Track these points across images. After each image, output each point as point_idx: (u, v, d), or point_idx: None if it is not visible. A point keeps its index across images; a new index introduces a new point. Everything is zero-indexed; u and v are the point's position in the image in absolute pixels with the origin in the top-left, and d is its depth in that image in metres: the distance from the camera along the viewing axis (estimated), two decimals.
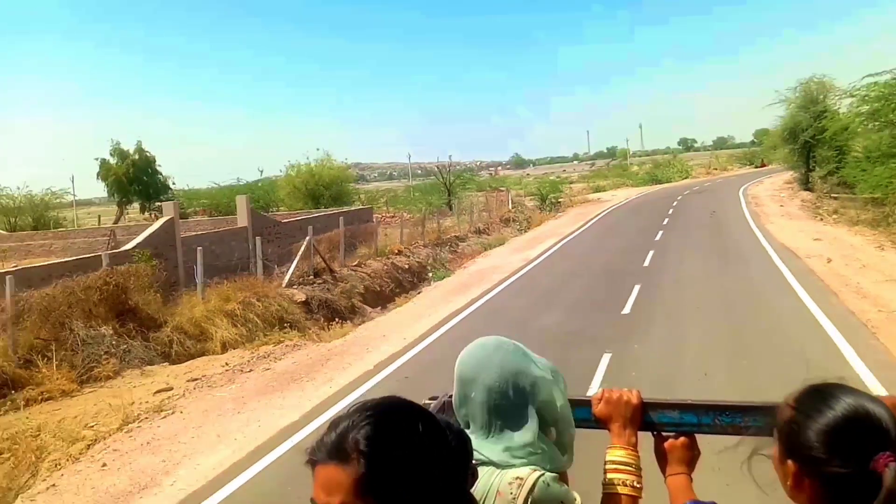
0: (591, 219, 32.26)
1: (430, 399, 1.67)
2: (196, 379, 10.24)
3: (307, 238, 19.79)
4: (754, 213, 28.72)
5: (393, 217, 38.96)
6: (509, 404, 1.45)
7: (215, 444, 7.19)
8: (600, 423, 1.63)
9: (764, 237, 20.61)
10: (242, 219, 23.84)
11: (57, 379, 10.93)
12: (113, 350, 12.06)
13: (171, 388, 10.00)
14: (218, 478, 6.30)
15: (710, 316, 11.31)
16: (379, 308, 18.76)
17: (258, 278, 17.64)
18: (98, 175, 47.58)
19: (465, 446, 1.06)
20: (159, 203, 48.21)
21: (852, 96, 26.40)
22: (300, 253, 19.47)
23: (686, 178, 71.02)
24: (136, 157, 46.93)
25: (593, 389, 7.82)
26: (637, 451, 1.58)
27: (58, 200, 48.96)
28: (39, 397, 10.56)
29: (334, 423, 0.95)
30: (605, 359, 8.93)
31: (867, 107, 25.26)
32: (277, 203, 45.69)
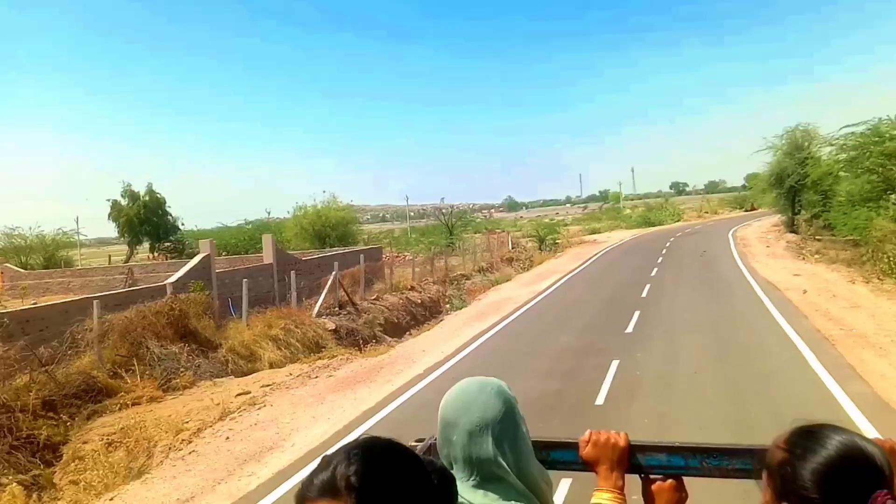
0: (590, 258, 34.68)
1: (416, 441, 1.71)
2: (268, 385, 12.32)
3: (333, 273, 21.86)
4: (742, 253, 31.14)
5: (397, 256, 41.06)
6: (489, 450, 1.46)
7: (313, 423, 9.30)
8: (587, 465, 1.64)
9: (749, 273, 22.94)
10: (268, 256, 25.89)
11: (144, 387, 12.92)
12: (187, 365, 14.12)
13: (250, 393, 12.05)
14: (325, 441, 8.40)
15: (700, 333, 13.54)
16: (397, 338, 20.61)
17: (293, 308, 19.68)
18: (109, 216, 49.64)
19: (449, 485, 1.11)
20: (168, 243, 50.48)
21: (831, 145, 29.12)
22: (327, 286, 21.50)
23: (678, 221, 73.99)
24: (147, 198, 49.04)
25: (608, 382, 10.03)
26: (623, 495, 1.60)
27: (68, 240, 51.18)
28: (130, 402, 12.51)
29: (325, 464, 1.01)
30: (615, 364, 11.12)
31: (845, 155, 27.91)
32: (284, 243, 47.78)
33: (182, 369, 13.84)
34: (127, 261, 49.19)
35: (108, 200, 49.65)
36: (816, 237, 34.11)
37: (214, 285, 22.87)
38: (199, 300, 16.87)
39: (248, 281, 24.71)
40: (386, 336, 21.07)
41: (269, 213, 58.98)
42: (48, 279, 39.41)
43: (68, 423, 11.58)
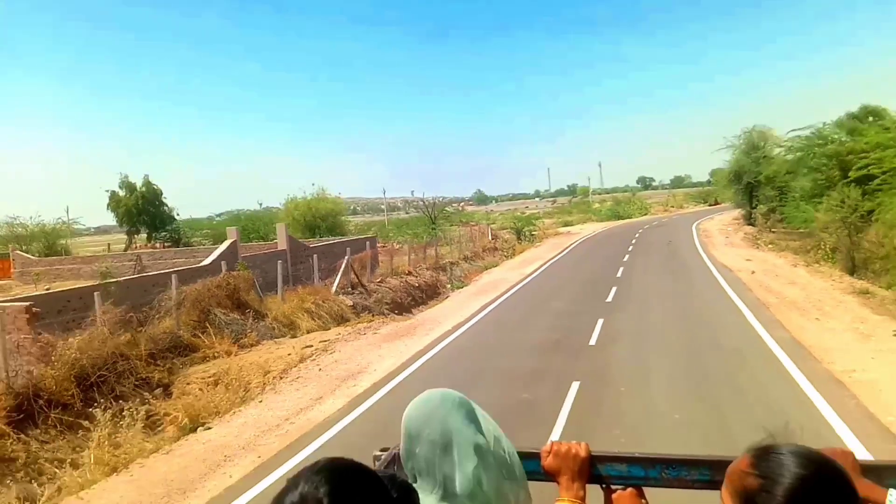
0: (568, 247, 38.32)
1: (381, 450, 1.80)
2: (325, 341, 15.47)
3: (346, 258, 24.96)
4: (703, 242, 34.93)
5: (383, 246, 44.10)
6: (451, 461, 1.50)
7: (381, 359, 12.55)
8: (549, 475, 1.68)
9: (708, 259, 26.60)
10: (282, 243, 28.88)
11: (220, 344, 15.98)
12: (248, 328, 17.21)
13: (312, 346, 15.19)
14: (397, 368, 11.68)
15: (665, 302, 17.05)
16: (403, 315, 23.75)
17: (317, 287, 22.74)
18: (108, 206, 51.95)
19: (409, 496, 1.19)
20: (164, 233, 52.94)
21: (780, 146, 32.95)
22: (341, 269, 24.59)
23: (645, 214, 78.26)
24: (144, 189, 51.46)
25: (597, 332, 13.41)
26: None
27: (68, 229, 53.43)
28: (212, 356, 15.57)
29: (292, 485, 1.06)
30: (600, 321, 14.53)
31: (792, 156, 31.73)
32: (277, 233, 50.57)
33: (248, 331, 16.96)
34: (126, 249, 51.63)
35: (107, 191, 51.94)
36: (771, 229, 38.00)
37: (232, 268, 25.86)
38: (247, 277, 19.93)
39: (266, 264, 27.78)
40: (393, 313, 24.28)
41: (260, 205, 61.51)
42: (58, 266, 41.83)
43: (169, 369, 14.62)
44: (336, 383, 11.17)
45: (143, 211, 51.40)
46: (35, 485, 9.51)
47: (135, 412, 10.95)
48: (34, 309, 14.82)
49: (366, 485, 1.09)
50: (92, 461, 9.04)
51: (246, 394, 12.91)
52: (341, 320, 20.08)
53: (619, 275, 22.95)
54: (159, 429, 11.55)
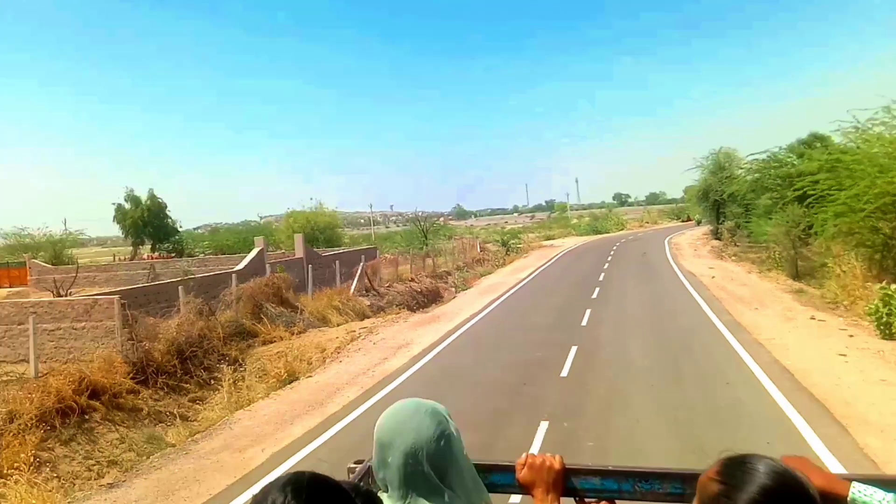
0: (553, 257, 42.47)
1: (355, 462, 1.82)
2: (364, 328, 19.20)
3: (361, 264, 28.71)
4: (674, 254, 39.20)
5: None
6: (423, 471, 1.51)
7: (420, 337, 16.36)
8: (524, 488, 1.72)
9: (677, 267, 30.75)
10: (299, 251, 32.49)
11: (275, 331, 19.61)
12: (298, 318, 20.88)
13: (355, 331, 18.89)
14: (436, 341, 15.53)
15: (639, 299, 21.05)
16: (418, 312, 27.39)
17: (339, 288, 26.43)
18: (114, 218, 55.17)
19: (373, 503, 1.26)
20: (168, 244, 56.18)
21: (741, 168, 37.31)
22: (357, 274, 28.31)
23: (622, 229, 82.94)
24: (150, 203, 54.74)
25: (586, 318, 17.35)
26: None
27: (74, 239, 56.59)
28: (270, 340, 19.18)
29: (261, 497, 1.12)
30: (588, 311, 18.46)
31: (751, 176, 36.06)
32: (278, 244, 54.14)
33: (297, 321, 20.64)
34: (132, 259, 54.84)
35: (113, 204, 55.13)
36: (735, 243, 42.29)
37: (268, 271, 29.43)
38: (286, 278, 23.61)
39: (288, 270, 31.34)
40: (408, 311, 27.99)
41: (261, 219, 64.93)
42: (74, 274, 44.88)
43: (241, 349, 18.24)
44: (392, 350, 14.97)
45: (148, 223, 54.59)
46: (159, 427, 13.12)
47: (244, 370, 14.63)
48: (122, 301, 18.46)
49: (331, 496, 1.15)
50: (227, 399, 12.71)
51: (310, 366, 16.60)
52: (363, 316, 23.78)
53: (601, 278, 26.99)
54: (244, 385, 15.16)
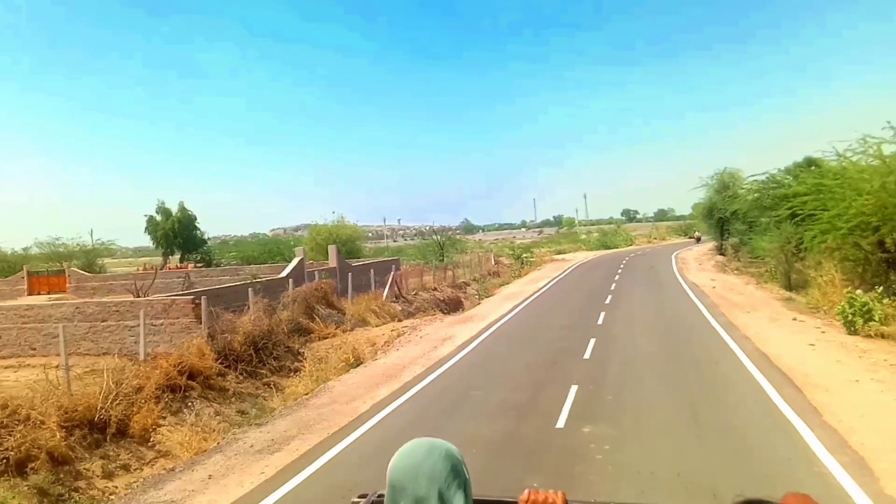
0: (566, 269, 45.62)
1: (359, 497, 1.85)
2: (406, 326, 22.25)
3: (391, 274, 31.79)
4: (679, 268, 42.23)
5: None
6: None
7: (460, 332, 19.42)
8: None
9: (682, 279, 33.79)
10: (332, 261, 35.61)
11: (327, 328, 22.66)
12: (343, 319, 23.96)
13: (397, 330, 21.93)
14: (475, 335, 18.58)
15: (647, 304, 24.09)
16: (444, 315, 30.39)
17: (373, 294, 29.49)
18: (146, 229, 58.44)
19: None
20: (197, 254, 59.37)
21: (742, 188, 40.41)
22: (389, 282, 31.38)
23: (630, 244, 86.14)
24: (180, 215, 57.98)
25: (601, 319, 20.41)
26: None
27: (105, 249, 60.01)
28: (323, 336, 22.22)
29: None
30: (602, 314, 21.49)
31: (750, 196, 39.14)
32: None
33: (344, 321, 23.73)
34: (161, 268, 58.09)
35: (145, 216, 58.40)
36: (738, 258, 45.27)
37: (306, 279, 32.52)
38: (331, 284, 26.72)
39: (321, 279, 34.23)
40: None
41: (284, 231, 68.00)
42: (112, 281, 48.10)
43: (302, 343, 21.25)
44: (439, 342, 18.07)
45: (178, 234, 57.81)
46: (246, 405, 16.11)
47: (307, 360, 17.66)
48: (196, 301, 21.51)
49: None
50: (309, 376, 15.77)
51: (371, 353, 19.61)
52: (397, 319, 26.84)
53: (612, 287, 30.08)
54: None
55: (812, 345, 15.09)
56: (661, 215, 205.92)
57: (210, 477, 8.80)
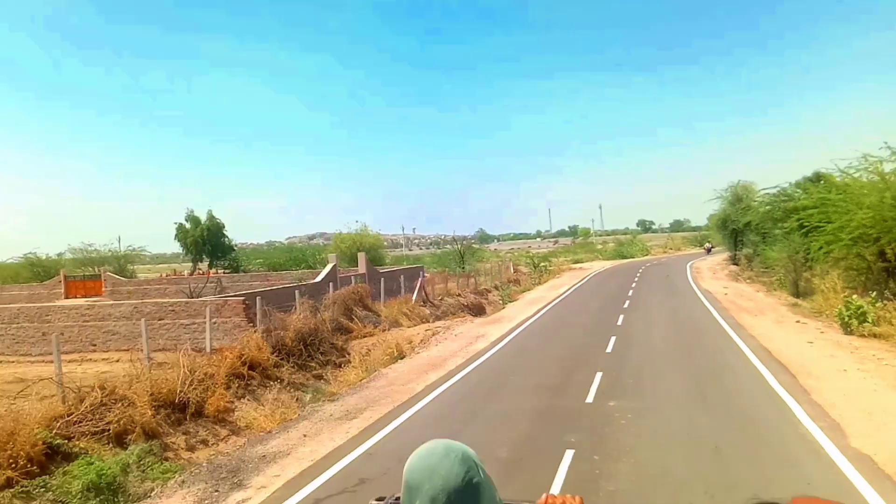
0: (585, 277, 47.67)
1: (377, 500, 1.85)
2: (440, 326, 24.28)
3: (419, 279, 33.88)
4: (694, 276, 44.12)
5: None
6: None
7: (492, 330, 21.50)
8: None
9: (696, 286, 35.72)
10: (362, 268, 37.73)
11: (365, 328, 24.73)
12: (379, 320, 26.04)
13: (431, 330, 23.96)
14: (505, 333, 20.65)
15: (662, 308, 26.05)
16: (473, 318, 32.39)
17: (404, 298, 31.55)
18: (176, 237, 60.93)
19: None
20: (224, 260, 61.75)
21: (755, 201, 42.28)
22: (417, 288, 33.46)
23: (646, 255, 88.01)
24: (209, 223, 60.39)
25: (620, 320, 22.43)
26: None
27: (136, 255, 62.57)
28: (362, 335, 24.28)
29: None
30: (621, 316, 23.47)
31: (762, 209, 41.00)
32: (325, 263, 59.61)
33: (380, 322, 25.82)
34: (191, 274, 60.54)
35: (175, 223, 60.91)
36: (752, 268, 47.01)
37: (338, 283, 34.64)
38: (366, 288, 28.84)
39: (353, 283, 36.32)
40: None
41: (310, 240, 70.43)
42: (146, 285, 50.48)
43: (343, 340, 23.30)
44: (473, 339, 20.14)
45: (206, 241, 60.23)
46: (300, 392, 18.16)
47: (350, 355, 19.72)
48: (246, 302, 23.63)
49: None
50: (360, 366, 17.83)
51: (412, 349, 21.64)
52: (426, 321, 28.89)
53: (630, 293, 32.08)
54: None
55: (810, 342, 17.02)
56: (677, 226, 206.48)
57: (305, 436, 10.89)
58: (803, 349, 16.09)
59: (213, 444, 13.11)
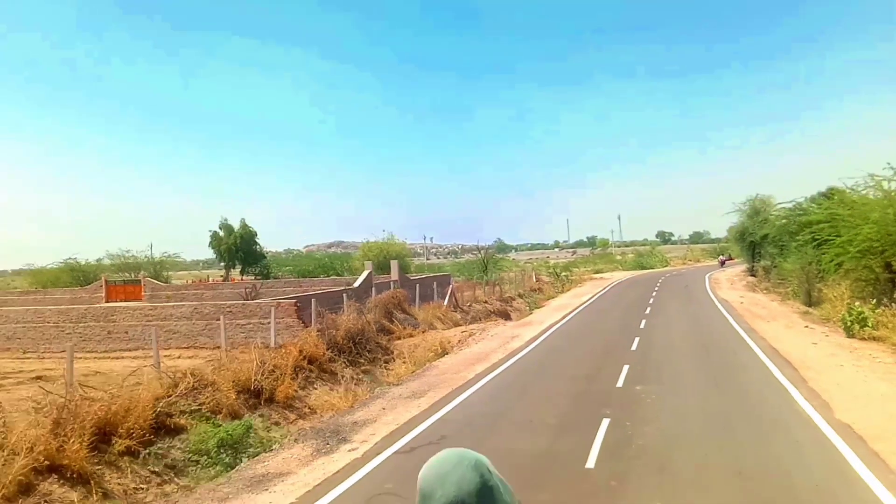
0: (606, 286, 49.87)
1: None
2: (475, 328, 26.55)
3: (450, 286, 36.17)
4: (712, 286, 46.16)
5: None
6: None
7: (525, 332, 23.74)
8: None
9: (713, 295, 37.80)
10: (394, 275, 40.07)
11: (405, 330, 27.04)
12: (419, 322, 28.36)
13: (467, 331, 26.21)
14: (538, 334, 22.93)
15: (681, 314, 28.19)
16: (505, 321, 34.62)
17: (437, 303, 33.85)
18: (210, 244, 63.64)
19: None
20: (256, 267, 64.33)
21: (772, 214, 44.32)
22: (448, 294, 35.76)
23: (666, 266, 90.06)
24: (242, 231, 63.06)
25: (642, 325, 24.62)
26: None
27: (171, 261, 65.35)
28: (403, 336, 26.59)
29: None
30: (643, 321, 25.64)
31: (779, 222, 43.03)
32: (353, 271, 62.14)
33: (419, 324, 28.13)
34: (225, 280, 63.16)
35: (210, 231, 63.63)
36: (769, 279, 48.93)
37: (374, 290, 37.00)
38: (404, 293, 31.19)
39: (386, 289, 38.65)
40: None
41: (329, 248, 72.98)
42: (184, 291, 53.00)
43: (386, 340, 25.59)
44: (508, 339, 22.42)
45: (239, 249, 62.88)
46: (352, 384, 20.47)
47: (394, 353, 22.04)
48: (297, 304, 26.00)
49: None
50: (409, 361, 20.14)
51: (452, 347, 23.88)
52: (460, 325, 31.16)
53: (650, 301, 34.26)
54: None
55: (815, 343, 19.17)
56: (696, 238, 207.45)
57: (384, 409, 13.24)
58: (808, 349, 18.23)
59: (284, 426, 15.39)
